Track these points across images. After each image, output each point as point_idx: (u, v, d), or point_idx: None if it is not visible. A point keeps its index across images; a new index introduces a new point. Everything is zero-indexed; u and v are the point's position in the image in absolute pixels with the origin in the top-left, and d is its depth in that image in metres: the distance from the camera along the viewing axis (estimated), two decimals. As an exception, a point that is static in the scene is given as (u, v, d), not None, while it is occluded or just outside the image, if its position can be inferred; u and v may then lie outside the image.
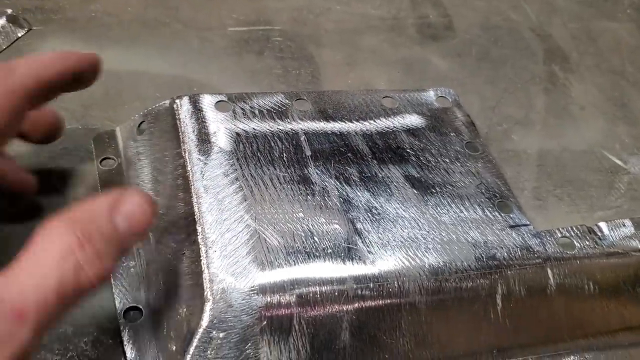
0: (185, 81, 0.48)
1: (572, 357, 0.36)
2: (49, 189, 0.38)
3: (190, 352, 0.30)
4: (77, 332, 0.33)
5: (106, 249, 0.27)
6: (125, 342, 0.33)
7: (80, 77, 0.35)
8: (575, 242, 0.37)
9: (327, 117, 0.40)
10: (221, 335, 0.30)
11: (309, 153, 0.38)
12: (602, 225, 0.38)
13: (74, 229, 0.26)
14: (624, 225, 0.39)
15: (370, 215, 0.35)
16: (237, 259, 0.32)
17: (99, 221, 0.27)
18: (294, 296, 0.31)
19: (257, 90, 0.47)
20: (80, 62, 0.35)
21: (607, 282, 0.37)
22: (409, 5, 0.60)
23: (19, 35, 0.49)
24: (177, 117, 0.38)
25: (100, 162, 0.40)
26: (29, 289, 0.24)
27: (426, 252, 0.34)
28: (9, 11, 0.49)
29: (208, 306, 0.30)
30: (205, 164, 0.35)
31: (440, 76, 0.53)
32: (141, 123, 0.41)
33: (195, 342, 0.30)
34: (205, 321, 0.30)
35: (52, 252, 0.25)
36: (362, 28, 0.57)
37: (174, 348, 0.31)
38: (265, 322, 0.31)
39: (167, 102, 0.39)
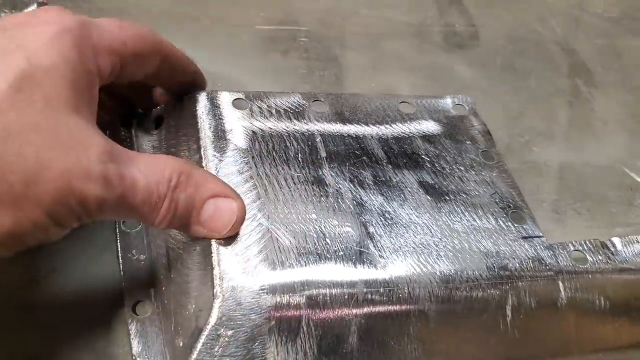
0: (210, 76, 0.48)
1: (580, 371, 0.36)
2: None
3: (198, 348, 0.30)
4: (85, 323, 0.33)
5: (179, 214, 0.30)
6: (132, 336, 0.33)
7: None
8: (587, 257, 0.37)
9: (344, 120, 0.40)
10: (229, 333, 0.30)
11: (324, 155, 0.38)
12: (616, 240, 0.38)
13: (180, 173, 0.30)
14: (638, 242, 0.38)
15: (383, 219, 0.35)
16: (248, 257, 0.31)
17: (195, 192, 0.31)
18: (304, 297, 0.31)
19: (281, 88, 0.47)
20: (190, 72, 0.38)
21: (618, 298, 0.36)
22: (435, 13, 0.60)
23: (44, 23, 0.49)
24: (194, 113, 0.38)
25: (116, 154, 0.40)
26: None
27: (437, 259, 0.34)
28: (40, -2, 0.50)
29: (217, 303, 0.30)
30: (220, 160, 0.35)
31: (464, 84, 0.53)
32: (158, 117, 0.41)
33: (203, 338, 0.30)
34: (213, 318, 0.30)
35: (163, 166, 0.30)
36: (388, 33, 0.57)
37: (181, 343, 0.31)
38: (273, 322, 0.30)
39: (185, 97, 0.39)
